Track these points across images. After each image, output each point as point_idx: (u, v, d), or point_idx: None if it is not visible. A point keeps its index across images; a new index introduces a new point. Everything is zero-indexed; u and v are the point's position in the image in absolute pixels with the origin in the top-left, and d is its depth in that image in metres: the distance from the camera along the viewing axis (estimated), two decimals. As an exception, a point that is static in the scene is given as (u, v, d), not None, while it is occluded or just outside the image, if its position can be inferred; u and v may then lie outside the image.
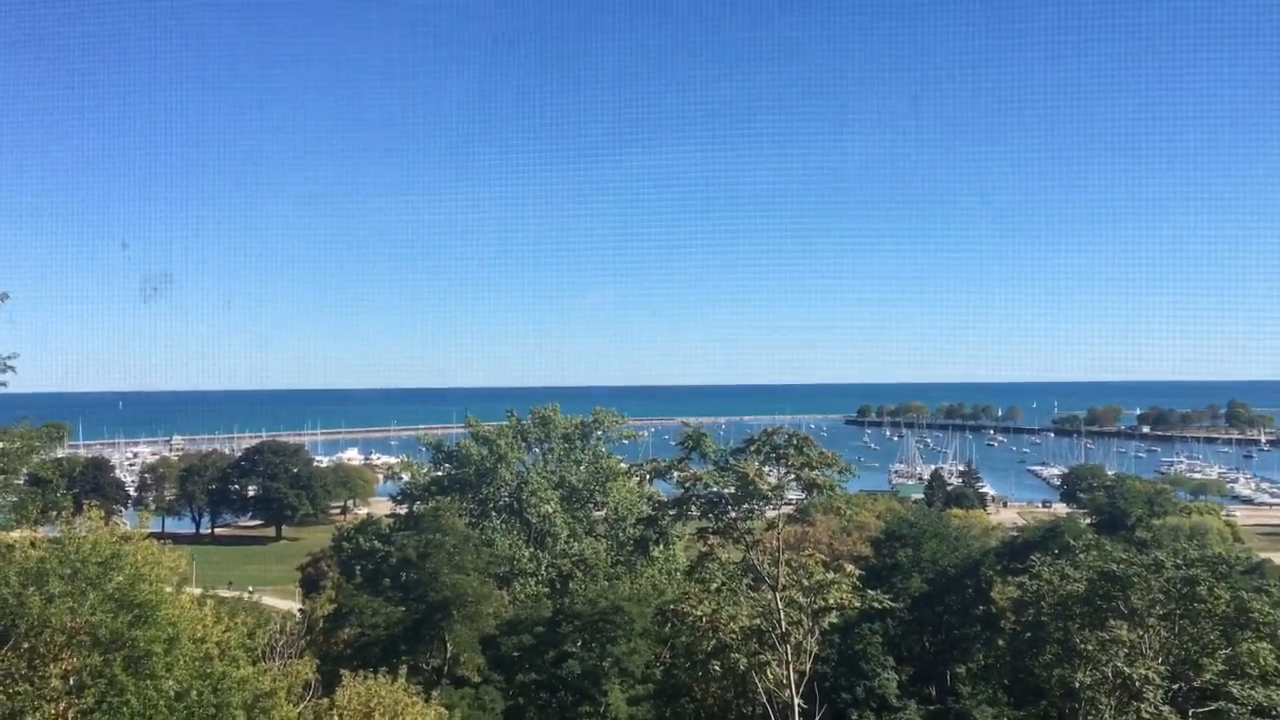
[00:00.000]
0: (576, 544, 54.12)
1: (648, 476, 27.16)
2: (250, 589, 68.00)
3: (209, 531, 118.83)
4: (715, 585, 25.39)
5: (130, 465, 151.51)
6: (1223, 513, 72.14)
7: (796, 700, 22.55)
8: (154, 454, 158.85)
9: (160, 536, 57.74)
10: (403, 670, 29.53)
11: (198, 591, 37.01)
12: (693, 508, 24.80)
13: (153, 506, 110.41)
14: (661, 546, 52.04)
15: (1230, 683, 25.30)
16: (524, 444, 59.63)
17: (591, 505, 57.87)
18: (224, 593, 47.76)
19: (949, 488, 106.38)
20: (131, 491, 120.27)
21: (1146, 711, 24.80)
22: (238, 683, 19.85)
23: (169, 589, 21.50)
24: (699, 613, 24.30)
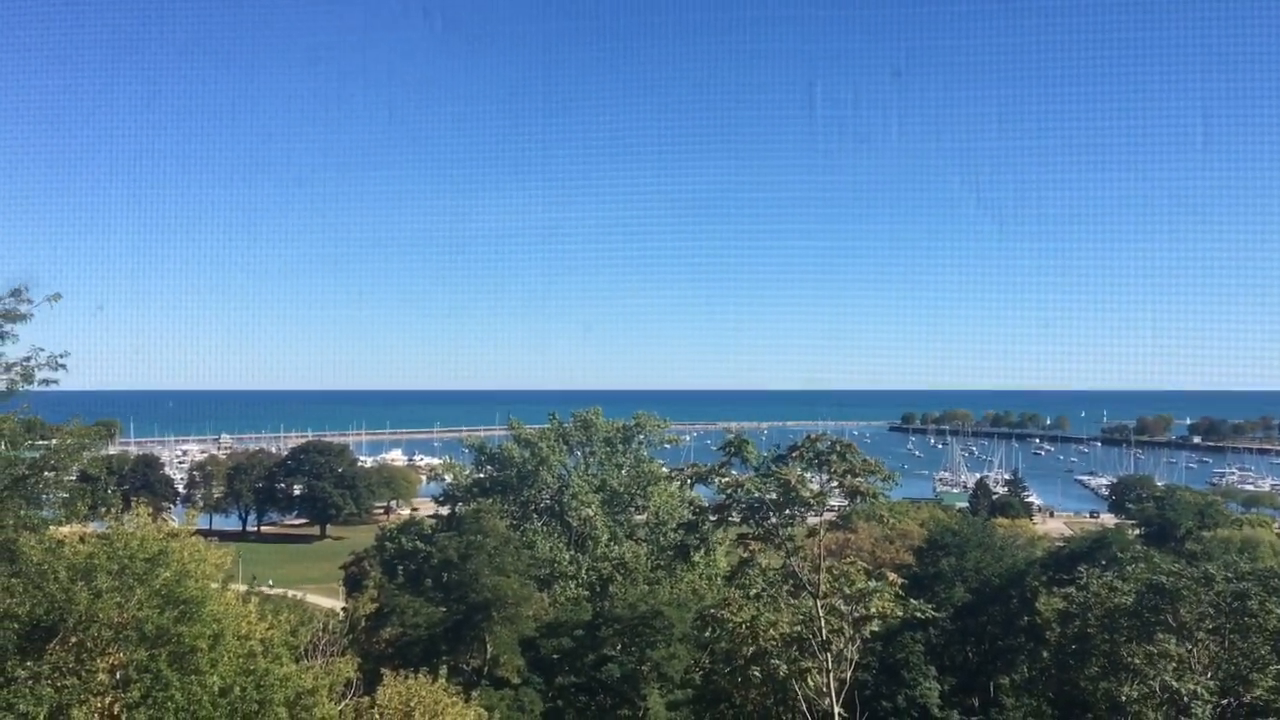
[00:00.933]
0: (617, 547, 54.14)
1: (689, 481, 27.11)
2: (292, 590, 68.75)
3: (255, 529, 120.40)
4: (755, 591, 25.27)
5: (179, 463, 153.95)
6: (1275, 526, 70.55)
7: (837, 708, 22.40)
8: (202, 452, 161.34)
9: (207, 534, 58.57)
10: (443, 670, 29.66)
11: (243, 589, 37.48)
12: (734, 513, 24.71)
13: (200, 504, 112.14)
14: (702, 552, 51.89)
15: (1281, 700, 24.81)
16: (565, 447, 59.76)
17: (632, 509, 57.86)
18: (268, 590, 48.28)
19: (994, 496, 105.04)
20: (180, 489, 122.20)
21: (1196, 727, 24.36)
22: (280, 680, 20.01)
23: (214, 586, 21.74)
24: (739, 619, 24.19)
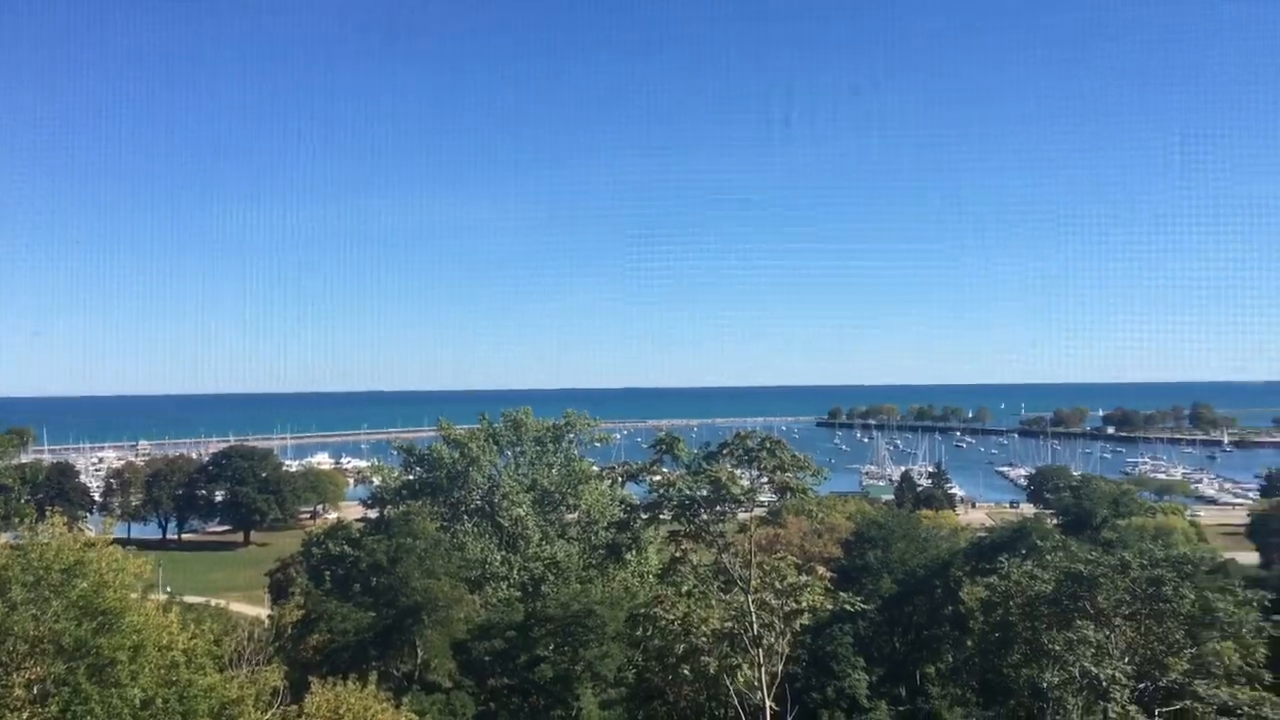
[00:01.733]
0: (549, 547, 53.98)
1: (620, 480, 27.18)
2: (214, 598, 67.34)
3: (176, 537, 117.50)
4: (687, 588, 25.44)
5: (95, 470, 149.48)
6: (1187, 513, 72.89)
7: (768, 702, 22.62)
8: (120, 459, 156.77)
9: (126, 543, 57.03)
10: (373, 676, 29.33)
11: (164, 598, 36.63)
12: (665, 511, 24.85)
13: (118, 512, 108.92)
14: (634, 550, 52.00)
15: (1195, 682, 25.62)
16: (495, 447, 59.41)
17: (564, 508, 57.74)
18: (191, 599, 47.24)
19: (918, 489, 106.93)
20: (97, 497, 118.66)
21: (1113, 711, 25.09)
22: (204, 690, 19.66)
23: (134, 596, 21.23)
24: (671, 616, 24.33)
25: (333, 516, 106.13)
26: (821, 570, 24.18)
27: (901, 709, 38.41)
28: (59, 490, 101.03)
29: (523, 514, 54.44)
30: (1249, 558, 41.72)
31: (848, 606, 23.96)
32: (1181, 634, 27.13)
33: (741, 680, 23.22)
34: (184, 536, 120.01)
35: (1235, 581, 29.98)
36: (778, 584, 23.15)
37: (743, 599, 23.25)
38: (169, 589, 41.46)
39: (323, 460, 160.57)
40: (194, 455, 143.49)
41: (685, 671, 25.53)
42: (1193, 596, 27.16)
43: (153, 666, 18.98)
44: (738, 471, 23.58)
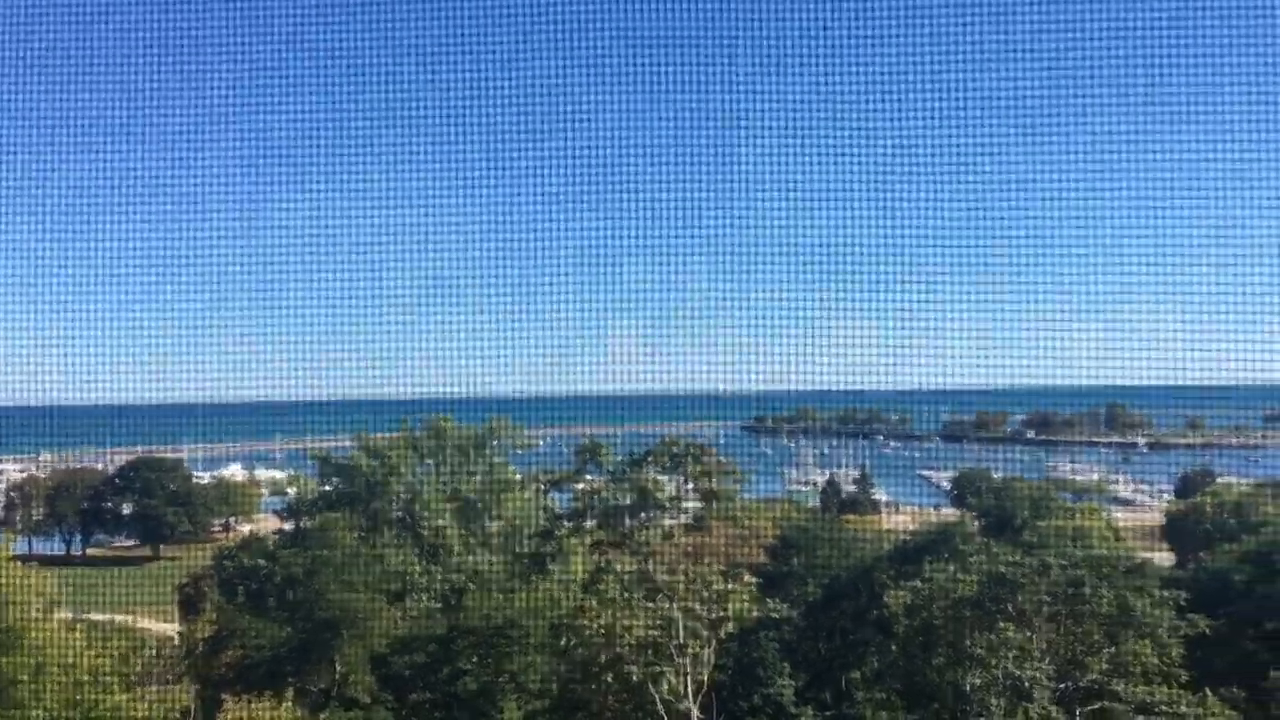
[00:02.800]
0: (471, 557, 52.98)
1: (544, 488, 26.70)
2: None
3: (80, 553, 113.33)
4: (611, 596, 25.07)
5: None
6: (1104, 514, 74.56)
7: (694, 711, 22.32)
8: (21, 471, 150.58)
9: (27, 559, 54.48)
10: (289, 693, 28.39)
11: (68, 616, 35.06)
12: (589, 519, 24.48)
13: (19, 527, 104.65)
14: (557, 559, 51.35)
15: (1115, 681, 25.97)
16: (416, 456, 58.22)
17: (486, 518, 56.78)
18: (96, 616, 45.38)
19: (843, 494, 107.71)
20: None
21: (1035, 712, 25.30)
22: (110, 710, 18.77)
23: (36, 614, 20.21)
24: (595, 625, 23.93)
25: (246, 529, 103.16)
26: (747, 577, 24.01)
27: (827, 714, 38.36)
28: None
29: (444, 524, 53.38)
30: (1165, 558, 42.72)
31: (774, 614, 23.78)
32: (1100, 634, 27.50)
33: (667, 689, 22.90)
34: (89, 552, 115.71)
35: (1152, 582, 30.50)
36: (703, 591, 22.92)
37: (668, 607, 22.93)
38: (73, 606, 39.75)
39: (235, 471, 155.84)
40: (99, 467, 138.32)
41: (610, 681, 25.14)
42: (1111, 597, 27.57)
43: (56, 686, 18.08)
44: (663, 478, 23.33)
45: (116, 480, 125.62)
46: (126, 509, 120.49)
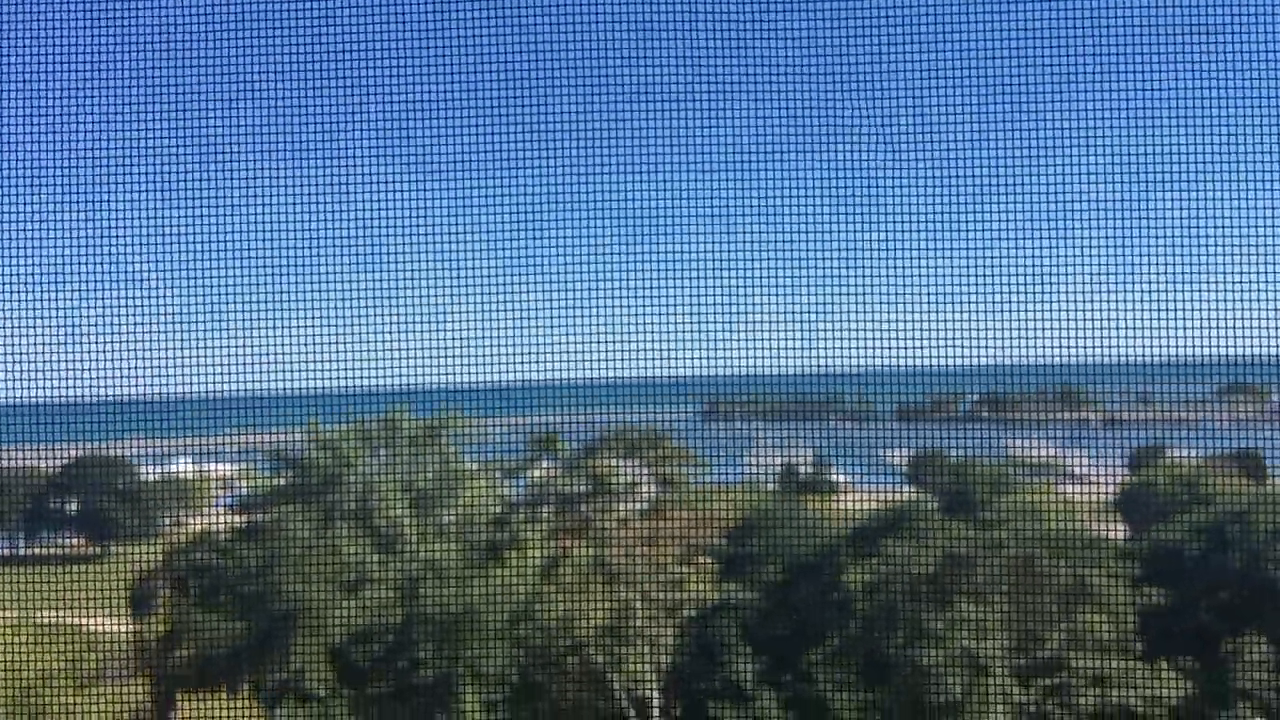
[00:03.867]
0: (426, 548, 52.50)
1: (498, 477, 26.41)
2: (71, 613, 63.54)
3: (25, 553, 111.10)
4: (568, 583, 24.87)
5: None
6: (1057, 490, 75.61)
7: (655, 695, 22.20)
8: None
9: (-32, 560, 53.12)
10: (245, 688, 27.92)
11: (13, 617, 34.22)
12: (545, 507, 24.24)
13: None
14: (514, 548, 51.02)
15: (1071, 654, 26.26)
16: (368, 447, 57.47)
17: (441, 508, 56.28)
18: (45, 617, 44.38)
19: (801, 475, 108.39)
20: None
21: (994, 686, 25.50)
22: (63, 712, 18.26)
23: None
24: (553, 612, 23.73)
25: (197, 525, 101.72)
26: (706, 560, 23.89)
27: (788, 695, 38.50)
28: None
29: (399, 515, 52.81)
30: (1119, 532, 43.34)
31: (732, 596, 23.72)
32: (1056, 609, 27.82)
33: (627, 675, 22.76)
34: (35, 551, 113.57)
35: (1106, 555, 30.90)
36: (661, 576, 22.79)
37: (626, 593, 22.77)
38: (19, 607, 38.82)
39: (184, 466, 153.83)
40: (42, 464, 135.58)
41: (569, 668, 24.99)
42: (1066, 571, 27.88)
43: (4, 690, 17.50)
44: (619, 464, 23.16)
45: (61, 478, 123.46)
46: (72, 507, 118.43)
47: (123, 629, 53.91)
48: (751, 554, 45.37)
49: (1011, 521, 31.04)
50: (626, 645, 23.65)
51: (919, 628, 29.05)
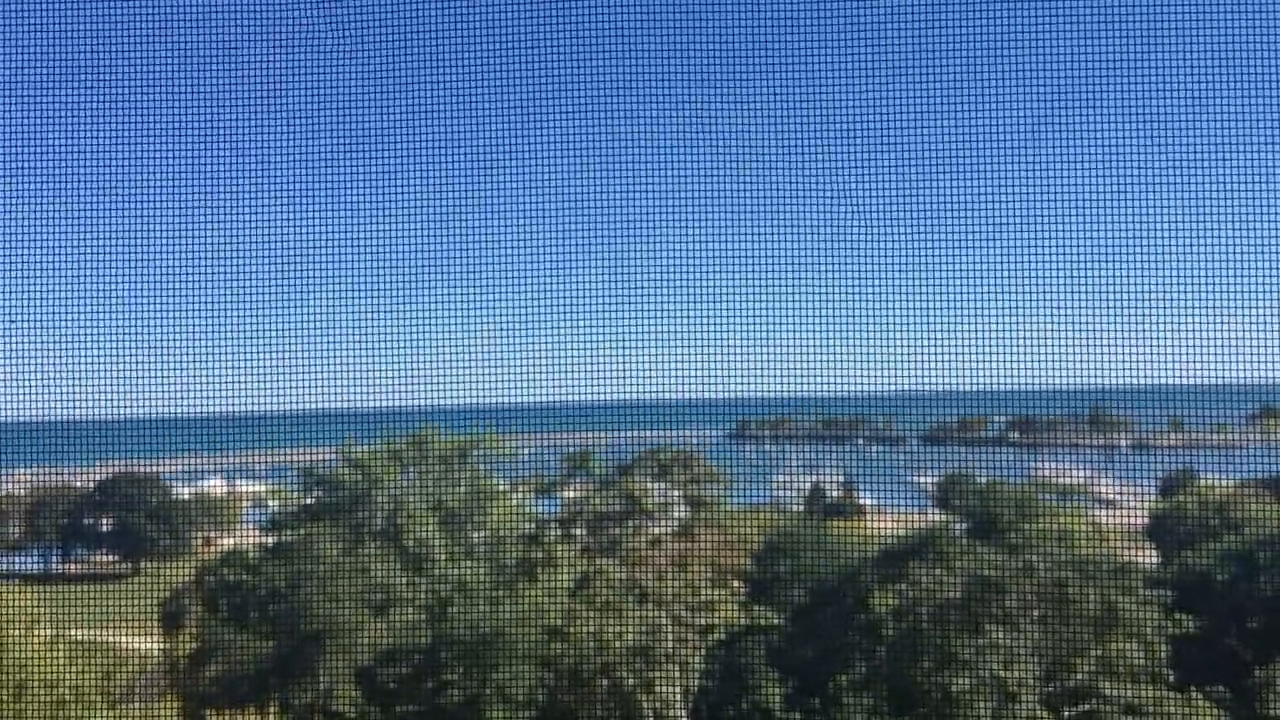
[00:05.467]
0: (455, 568, 52.69)
1: (530, 496, 26.62)
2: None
3: (61, 569, 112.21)
4: (600, 604, 25.00)
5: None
6: (1088, 515, 74.68)
7: (683, 717, 22.25)
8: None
9: (7, 577, 53.94)
10: (273, 707, 28.14)
11: (48, 633, 34.66)
12: (577, 527, 24.42)
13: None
14: (544, 567, 51.10)
15: (1101, 682, 26.05)
16: (398, 466, 57.84)
17: (471, 527, 56.50)
18: (78, 633, 44.89)
19: (828, 498, 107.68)
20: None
21: (1023, 714, 25.32)
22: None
23: (16, 632, 19.94)
24: (583, 633, 23.85)
25: (228, 543, 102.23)
26: (735, 583, 23.96)
27: (815, 720, 38.33)
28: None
29: (428, 535, 53.07)
30: (1150, 558, 42.93)
31: (761, 620, 23.78)
32: (1087, 636, 27.60)
33: (656, 697, 22.81)
34: (70, 568, 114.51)
35: (1137, 582, 30.65)
36: (691, 598, 22.88)
37: (656, 614, 22.87)
38: (54, 623, 39.27)
39: (216, 484, 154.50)
40: (78, 483, 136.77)
41: (599, 688, 25.06)
42: (1096, 597, 27.67)
43: (38, 705, 17.81)
44: (650, 485, 23.31)
45: (96, 495, 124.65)
46: (106, 524, 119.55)
47: (154, 646, 54.44)
48: (779, 577, 45.26)
49: (1040, 546, 30.88)
50: (655, 667, 23.71)
51: (947, 653, 28.89)
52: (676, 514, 25.23)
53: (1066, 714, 26.48)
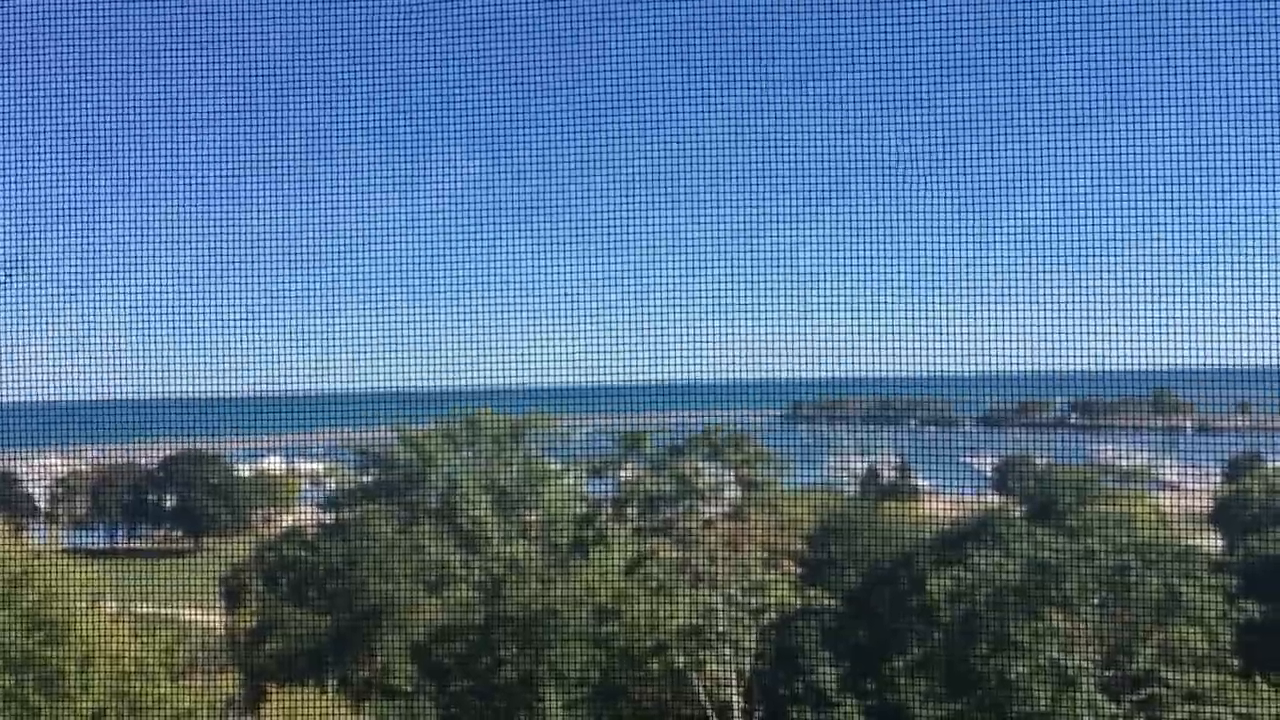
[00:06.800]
0: (509, 547, 53.13)
1: (583, 476, 26.74)
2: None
3: (125, 545, 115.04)
4: (653, 585, 25.06)
5: (40, 478, 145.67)
6: (1150, 499, 73.02)
7: (737, 699, 22.27)
8: (66, 465, 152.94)
9: (73, 552, 55.42)
10: (331, 683, 28.65)
11: (113, 608, 35.61)
12: (631, 507, 24.49)
13: (65, 520, 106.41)
14: (598, 547, 51.39)
15: (1163, 669, 25.61)
16: (453, 446, 58.39)
17: (524, 507, 56.92)
18: (142, 608, 46.04)
19: (883, 480, 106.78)
20: (41, 505, 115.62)
21: (1081, 700, 24.98)
22: (156, 701, 19.02)
23: (83, 606, 20.49)
24: (636, 613, 23.94)
25: (287, 520, 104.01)
26: (788, 564, 23.90)
27: (869, 703, 38.12)
28: (1, 499, 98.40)
29: (481, 514, 53.55)
30: (1213, 543, 41.99)
31: (814, 602, 23.70)
32: (1148, 621, 27.14)
33: (709, 677, 22.86)
34: (134, 544, 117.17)
35: (1200, 567, 30.02)
36: (744, 579, 22.85)
37: (709, 595, 22.88)
38: (118, 598, 40.36)
39: (275, 463, 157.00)
40: (142, 461, 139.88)
41: (652, 668, 25.16)
42: (1158, 583, 27.17)
43: (103, 678, 18.32)
44: (703, 466, 23.29)
45: (159, 473, 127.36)
46: (169, 501, 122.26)
47: (215, 621, 55.68)
48: (833, 558, 45.04)
49: (1101, 530, 30.30)
50: (708, 648, 23.75)
51: (1004, 638, 28.56)
52: (729, 495, 25.22)
53: (1126, 700, 26.08)
